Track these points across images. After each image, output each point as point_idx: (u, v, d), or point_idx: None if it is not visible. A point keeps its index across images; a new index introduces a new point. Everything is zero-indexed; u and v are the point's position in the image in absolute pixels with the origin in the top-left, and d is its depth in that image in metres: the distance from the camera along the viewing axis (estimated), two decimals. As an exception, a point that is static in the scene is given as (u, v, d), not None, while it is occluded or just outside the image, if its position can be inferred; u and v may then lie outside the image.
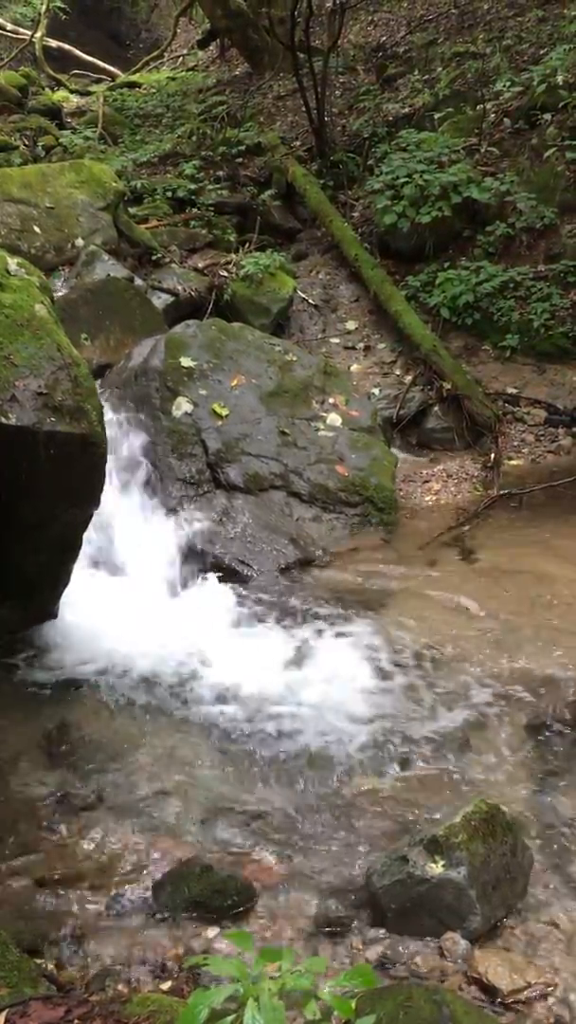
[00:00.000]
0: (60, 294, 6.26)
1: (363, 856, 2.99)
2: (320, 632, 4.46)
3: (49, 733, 3.65)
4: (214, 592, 4.86)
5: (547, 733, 3.66)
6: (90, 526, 4.05)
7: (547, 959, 2.58)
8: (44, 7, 16.69)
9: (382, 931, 2.68)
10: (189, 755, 3.54)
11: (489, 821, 2.77)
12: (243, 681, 3.98)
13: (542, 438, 6.85)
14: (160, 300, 7.27)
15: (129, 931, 2.69)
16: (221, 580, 4.96)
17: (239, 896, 2.79)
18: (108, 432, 3.88)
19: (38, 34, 15.99)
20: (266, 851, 3.03)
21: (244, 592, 4.86)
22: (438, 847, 2.67)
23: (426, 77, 10.13)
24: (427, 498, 6.21)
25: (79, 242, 7.08)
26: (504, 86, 8.79)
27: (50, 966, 2.52)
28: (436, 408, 7.02)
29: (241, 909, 2.77)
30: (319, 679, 4.03)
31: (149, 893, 2.83)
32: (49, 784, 3.34)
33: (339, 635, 4.44)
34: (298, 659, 4.22)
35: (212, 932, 2.69)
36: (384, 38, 12.59)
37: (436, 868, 2.64)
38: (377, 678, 4.06)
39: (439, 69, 10.23)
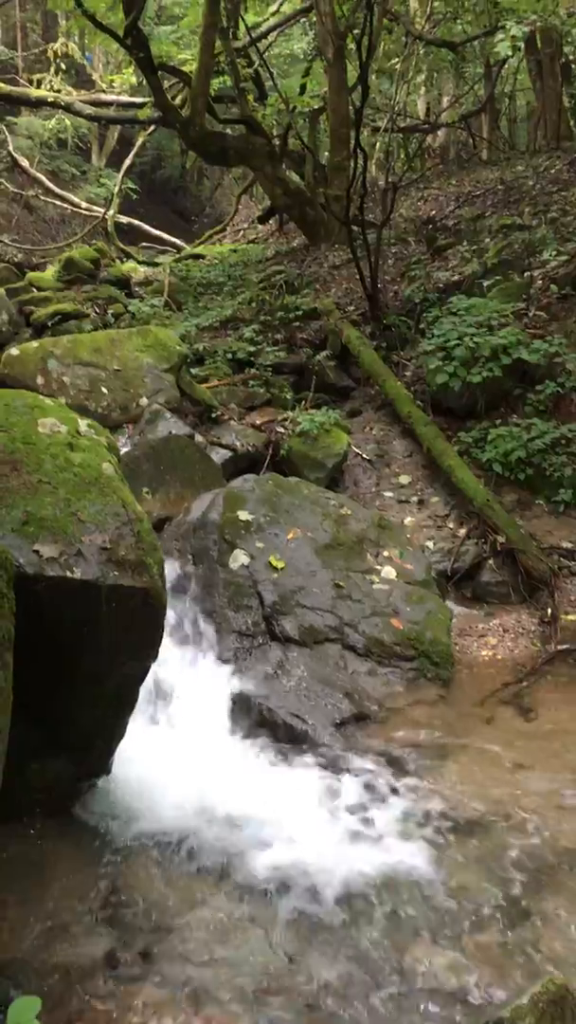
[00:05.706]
0: (125, 450, 6.52)
1: (424, 1040, 2.83)
2: (378, 792, 4.35)
3: (99, 895, 3.55)
4: (269, 747, 4.80)
5: (617, 907, 3.47)
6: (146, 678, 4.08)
7: None
8: (117, 188, 18.19)
9: None
10: (242, 924, 3.41)
11: (558, 1003, 2.60)
12: (300, 843, 3.87)
13: (599, 593, 6.79)
14: (219, 455, 7.52)
15: None
16: (275, 735, 4.89)
17: None
18: (167, 584, 3.97)
19: (110, 212, 17.36)
20: (321, 1031, 2.88)
21: (299, 748, 4.78)
22: (505, 1032, 2.52)
23: (474, 247, 10.68)
24: (483, 652, 6.14)
25: (143, 401, 7.43)
26: (550, 255, 9.24)
27: None
28: (490, 562, 7.01)
29: None
30: (377, 844, 3.91)
31: (198, 1074, 2.69)
32: (98, 950, 3.23)
33: (396, 794, 4.33)
34: (356, 821, 4.10)
35: None
36: (434, 212, 13.38)
37: (503, 1056, 2.48)
38: (435, 842, 3.92)
39: (487, 240, 10.80)
